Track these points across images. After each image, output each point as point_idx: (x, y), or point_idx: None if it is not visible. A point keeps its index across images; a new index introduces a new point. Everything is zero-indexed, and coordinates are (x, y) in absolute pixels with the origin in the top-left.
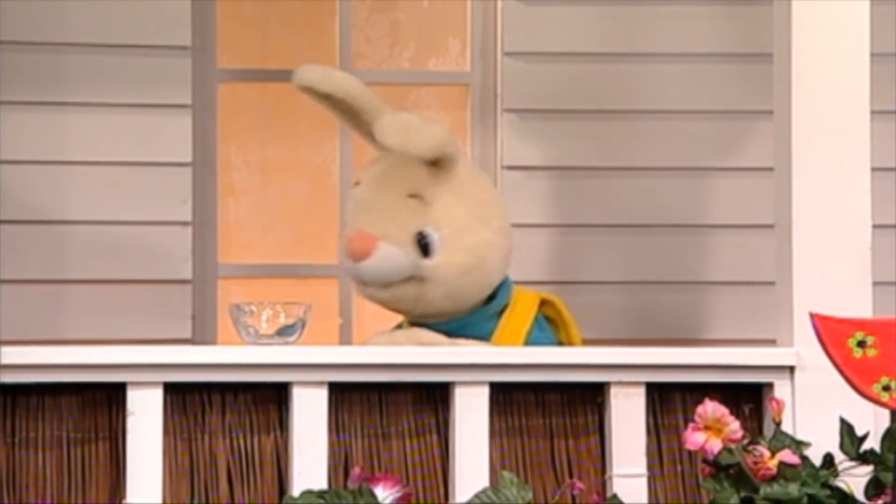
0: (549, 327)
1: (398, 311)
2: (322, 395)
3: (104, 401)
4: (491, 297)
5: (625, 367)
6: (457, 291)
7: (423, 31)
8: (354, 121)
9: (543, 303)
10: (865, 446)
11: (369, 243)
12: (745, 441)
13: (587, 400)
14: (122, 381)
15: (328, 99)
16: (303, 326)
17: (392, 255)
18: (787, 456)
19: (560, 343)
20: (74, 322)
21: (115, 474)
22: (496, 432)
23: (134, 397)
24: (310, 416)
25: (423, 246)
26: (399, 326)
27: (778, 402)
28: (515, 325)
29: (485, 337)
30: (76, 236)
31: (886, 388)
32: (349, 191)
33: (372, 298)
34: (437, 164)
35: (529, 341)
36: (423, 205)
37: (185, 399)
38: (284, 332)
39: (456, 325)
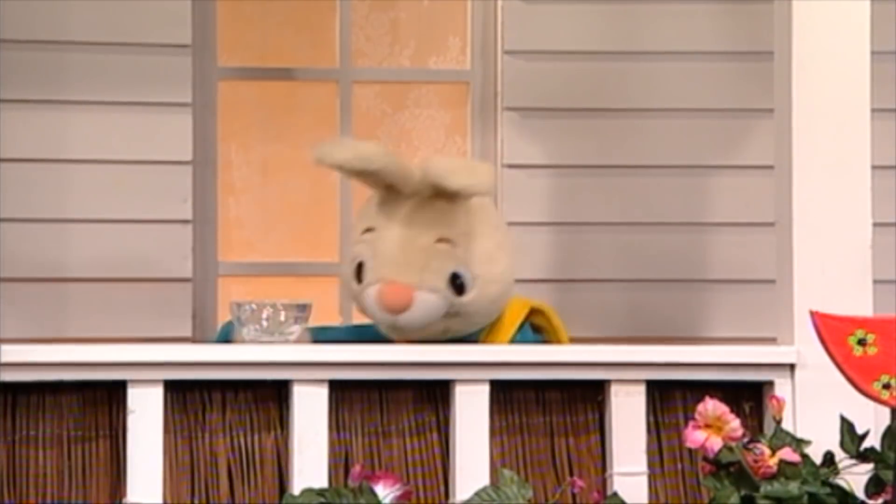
0: (535, 336)
1: (422, 340)
2: (322, 393)
3: (104, 399)
4: None
5: (625, 365)
6: (488, 317)
7: (423, 29)
8: (374, 180)
9: (533, 311)
10: (866, 444)
11: (406, 296)
12: (746, 439)
13: (587, 398)
14: (122, 380)
15: (360, 174)
16: (303, 325)
17: (430, 302)
18: (788, 454)
19: None
20: (75, 320)
21: (115, 472)
22: (496, 430)
23: (134, 395)
24: (310, 414)
25: (458, 286)
26: None
27: (778, 400)
28: (499, 331)
29: (471, 341)
30: (77, 234)
31: (887, 386)
32: (355, 235)
33: (402, 339)
34: (456, 197)
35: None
36: (453, 247)
37: (185, 397)
38: (285, 330)
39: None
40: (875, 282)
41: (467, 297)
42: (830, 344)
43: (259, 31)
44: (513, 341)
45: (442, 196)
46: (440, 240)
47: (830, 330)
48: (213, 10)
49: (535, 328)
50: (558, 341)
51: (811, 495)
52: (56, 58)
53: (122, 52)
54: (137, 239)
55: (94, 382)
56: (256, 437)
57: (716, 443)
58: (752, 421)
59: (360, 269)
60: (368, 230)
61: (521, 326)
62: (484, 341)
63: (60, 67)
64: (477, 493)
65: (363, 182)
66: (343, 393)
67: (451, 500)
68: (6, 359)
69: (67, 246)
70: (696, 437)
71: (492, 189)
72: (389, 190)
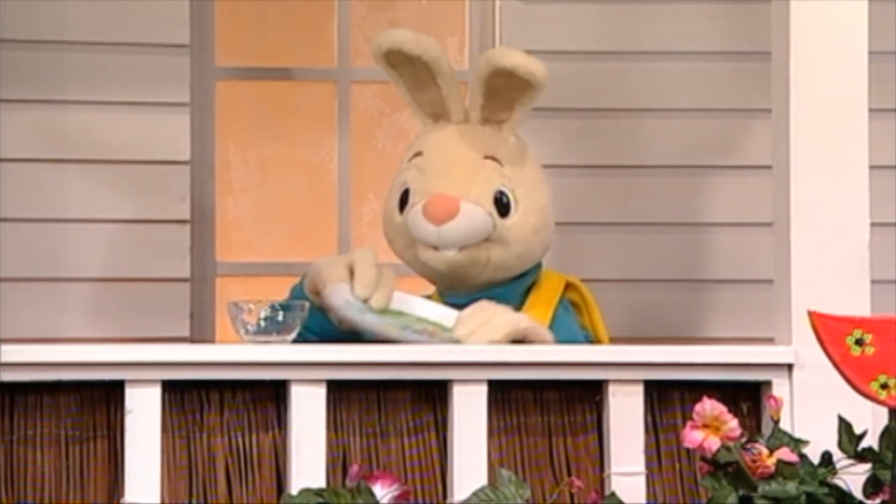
0: (573, 310)
1: (462, 278)
2: (320, 393)
3: (102, 399)
4: (523, 272)
5: (623, 365)
6: (528, 251)
7: (421, 29)
8: (421, 85)
9: (568, 286)
10: (864, 444)
11: (453, 204)
12: (744, 439)
13: (585, 398)
14: (120, 379)
15: (410, 63)
16: (301, 325)
17: (476, 214)
18: (786, 454)
19: (583, 327)
20: (73, 320)
21: (113, 472)
22: (494, 430)
23: (132, 395)
24: (308, 414)
25: (502, 206)
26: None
27: (776, 400)
28: (542, 305)
29: (515, 309)
30: (74, 234)
31: (885, 386)
32: (408, 161)
33: (442, 264)
34: (503, 123)
35: (554, 322)
36: (499, 165)
37: (183, 397)
38: (283, 330)
39: (488, 296)
40: (873, 282)
41: (510, 220)
42: (828, 344)
43: (257, 31)
44: (556, 315)
45: (491, 122)
46: (487, 157)
47: (828, 330)
48: (211, 10)
49: (570, 303)
50: (591, 318)
51: (809, 495)
52: (54, 57)
53: (120, 51)
54: (135, 239)
55: (92, 382)
56: (254, 437)
57: (714, 443)
58: (750, 421)
59: (404, 199)
60: (417, 155)
61: (561, 301)
62: (527, 310)
63: (58, 67)
64: (475, 493)
65: (417, 93)
66: (341, 393)
67: (449, 500)
68: (4, 358)
69: (65, 245)
70: (693, 436)
71: (547, 79)
72: (437, 118)
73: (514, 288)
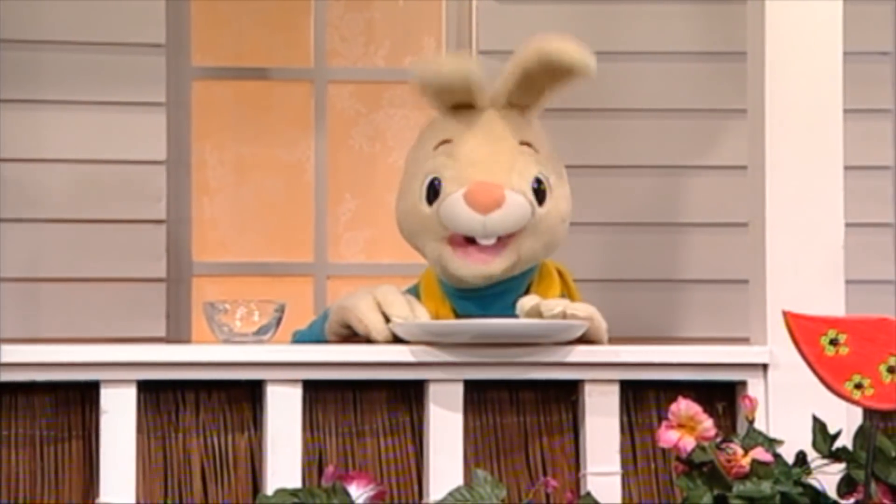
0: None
1: (489, 282)
2: (296, 393)
3: (77, 399)
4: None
5: (599, 365)
6: (555, 240)
7: (397, 29)
8: (453, 97)
9: (558, 272)
10: (838, 444)
11: (499, 192)
12: (719, 439)
13: (561, 398)
14: (95, 380)
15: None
16: (277, 325)
17: (520, 202)
18: (760, 454)
19: None
20: (48, 320)
21: (88, 473)
22: (470, 430)
23: (107, 396)
24: (284, 414)
25: (539, 193)
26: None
27: (751, 399)
28: (551, 287)
29: (519, 297)
30: (50, 234)
31: (859, 386)
32: (424, 153)
33: (481, 279)
34: (528, 108)
35: None
36: (534, 151)
37: (158, 397)
38: (259, 330)
39: (494, 291)
40: (847, 282)
41: (544, 208)
42: (803, 344)
43: (234, 31)
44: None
45: (515, 106)
46: (523, 142)
47: (803, 330)
48: (187, 10)
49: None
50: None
51: (783, 495)
52: (30, 57)
53: (96, 51)
54: (111, 239)
55: (67, 383)
56: (230, 438)
57: (689, 443)
58: (725, 421)
59: (431, 189)
60: (444, 142)
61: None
62: (537, 292)
63: (34, 67)
64: (450, 493)
65: (443, 100)
66: (317, 393)
67: (424, 500)
68: None
69: (41, 246)
70: (669, 436)
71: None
72: (458, 107)
73: (519, 280)
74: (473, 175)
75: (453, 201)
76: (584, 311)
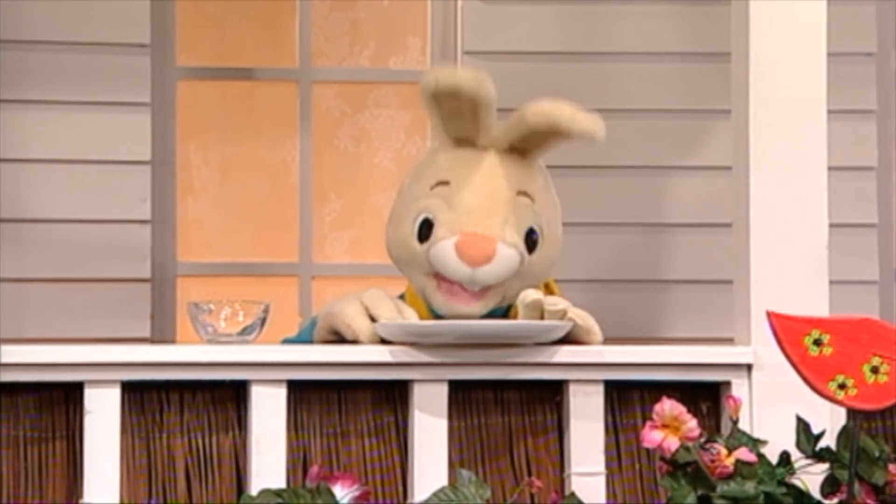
0: None
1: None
2: (281, 393)
3: (61, 400)
4: None
5: (583, 365)
6: (541, 281)
7: (382, 29)
8: (459, 117)
9: (545, 286)
10: (821, 444)
11: (490, 246)
12: (703, 439)
13: (546, 398)
14: (79, 380)
15: (456, 99)
16: (262, 325)
17: (510, 256)
18: (744, 454)
19: None
20: (33, 321)
21: (71, 474)
22: (455, 431)
23: (91, 396)
24: (268, 414)
25: (531, 243)
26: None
27: (735, 400)
28: None
29: (502, 314)
30: (34, 234)
31: (842, 387)
32: (417, 191)
33: (466, 316)
34: (528, 153)
35: None
36: (531, 201)
37: (143, 398)
38: (243, 330)
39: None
40: (831, 282)
41: (535, 256)
42: (786, 344)
43: (218, 31)
44: None
45: (517, 150)
46: (520, 193)
47: (786, 330)
48: (171, 10)
49: None
50: None
51: (767, 495)
52: (13, 57)
53: (81, 51)
54: (96, 239)
55: (51, 383)
56: (214, 438)
57: (673, 443)
58: (709, 421)
59: (424, 227)
60: (441, 183)
61: None
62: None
63: (18, 66)
64: (435, 494)
65: (450, 122)
66: (301, 393)
67: (409, 501)
68: None
69: (25, 245)
70: (653, 437)
71: (603, 136)
72: (460, 143)
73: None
74: (467, 225)
75: (444, 248)
76: (582, 319)
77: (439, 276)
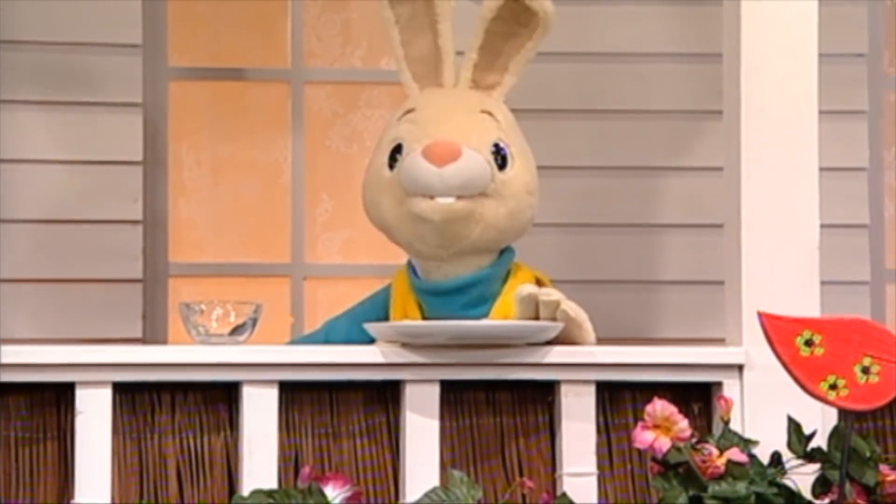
0: None
1: (454, 233)
2: (272, 394)
3: (53, 400)
4: (500, 258)
5: (575, 366)
6: (519, 210)
7: (375, 29)
8: (417, 32)
9: (537, 281)
10: (813, 444)
11: (455, 146)
12: (694, 440)
13: (537, 399)
14: (70, 381)
15: (411, 2)
16: (253, 325)
17: (476, 158)
18: (735, 454)
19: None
20: (24, 321)
21: (63, 474)
22: (447, 431)
23: (83, 397)
24: (260, 415)
25: (500, 158)
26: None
27: (726, 400)
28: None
29: (492, 297)
30: (26, 234)
31: (833, 387)
32: (391, 123)
33: (437, 213)
34: (493, 87)
35: None
36: (495, 120)
37: (134, 398)
38: (235, 331)
39: (470, 280)
40: (822, 283)
41: (506, 174)
42: (778, 345)
43: (210, 31)
44: None
45: (480, 85)
46: (484, 111)
47: (778, 331)
48: (163, 10)
49: None
50: None
51: (758, 495)
52: (6, 57)
53: (72, 51)
54: (87, 239)
55: (42, 384)
56: (206, 439)
57: (664, 443)
58: (700, 421)
59: (394, 155)
60: (409, 112)
61: None
62: (504, 300)
63: (9, 66)
64: (427, 494)
65: (405, 36)
66: (293, 394)
67: (401, 501)
68: None
69: (16, 246)
70: (644, 437)
71: (553, 18)
72: (424, 83)
73: (495, 272)
74: (434, 135)
75: (412, 158)
76: (575, 312)
77: (413, 199)
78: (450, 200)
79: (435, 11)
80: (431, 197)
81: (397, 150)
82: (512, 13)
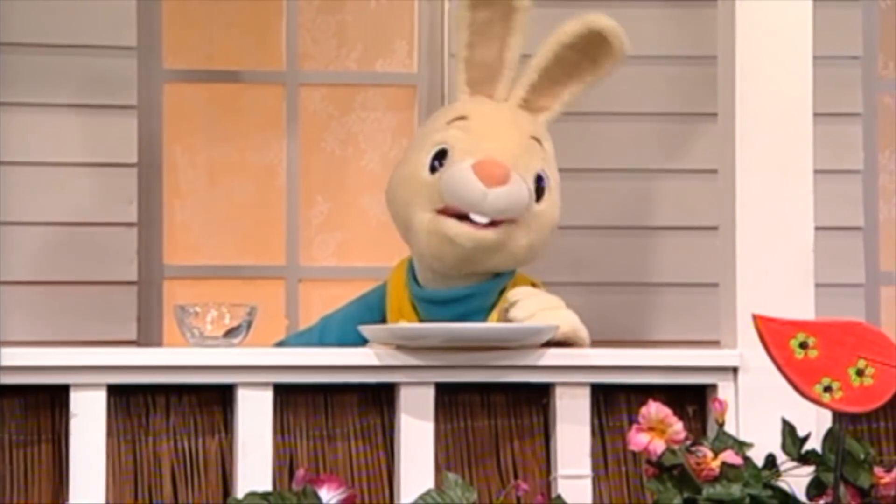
0: None
1: (474, 260)
2: (267, 396)
3: (47, 403)
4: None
5: (570, 368)
6: (539, 244)
7: (370, 32)
8: (486, 38)
9: (532, 286)
10: (807, 447)
11: (507, 170)
12: (689, 442)
13: (532, 401)
14: (65, 384)
15: (491, 7)
16: (248, 328)
17: (523, 188)
18: (730, 457)
19: None
20: (18, 324)
21: (57, 477)
22: (441, 433)
23: (77, 399)
24: (255, 417)
25: (538, 190)
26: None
27: (721, 403)
28: None
29: (488, 308)
30: (20, 237)
31: (828, 389)
32: (437, 125)
33: (471, 241)
34: (541, 111)
35: None
36: (542, 149)
37: (129, 401)
38: (229, 333)
39: (470, 292)
40: (817, 285)
41: (541, 206)
42: (772, 347)
43: (205, 34)
44: None
45: (529, 107)
46: (533, 137)
47: (772, 333)
48: (158, 12)
49: None
50: None
51: (753, 497)
52: (0, 59)
53: (67, 53)
54: (82, 242)
55: (37, 386)
56: (200, 441)
57: (659, 446)
58: (695, 424)
59: (437, 157)
60: (460, 118)
61: None
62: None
63: (3, 69)
64: (421, 497)
65: (474, 38)
66: (288, 396)
67: (395, 503)
68: None
69: (12, 249)
70: (639, 439)
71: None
72: (476, 90)
73: (493, 286)
74: (486, 150)
75: (461, 169)
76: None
77: (446, 212)
78: (483, 220)
79: (511, 24)
80: (465, 216)
81: (442, 154)
82: (588, 45)
